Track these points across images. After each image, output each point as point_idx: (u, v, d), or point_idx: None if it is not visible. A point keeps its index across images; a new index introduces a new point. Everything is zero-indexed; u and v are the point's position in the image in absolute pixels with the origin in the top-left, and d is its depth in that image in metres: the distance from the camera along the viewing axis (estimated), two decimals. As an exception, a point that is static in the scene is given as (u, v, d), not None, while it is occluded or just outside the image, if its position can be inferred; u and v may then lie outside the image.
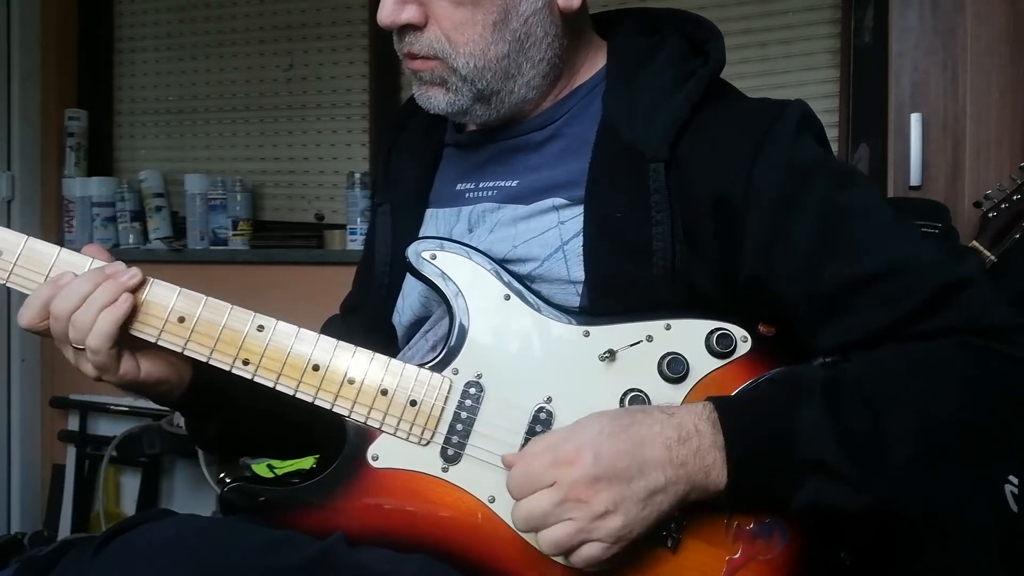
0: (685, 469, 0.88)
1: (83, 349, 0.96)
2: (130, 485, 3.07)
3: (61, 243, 1.00)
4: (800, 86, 2.48)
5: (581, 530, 0.87)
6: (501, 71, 1.03)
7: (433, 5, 1.01)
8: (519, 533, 0.93)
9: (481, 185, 1.11)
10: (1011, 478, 1.66)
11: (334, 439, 1.01)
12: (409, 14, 1.01)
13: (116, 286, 0.95)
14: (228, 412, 1.12)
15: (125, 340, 0.97)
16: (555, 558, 0.91)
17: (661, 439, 0.88)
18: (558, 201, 1.04)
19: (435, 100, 1.06)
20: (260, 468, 2.43)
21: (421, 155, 1.20)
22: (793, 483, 0.89)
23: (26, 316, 0.97)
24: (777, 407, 0.91)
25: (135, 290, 0.97)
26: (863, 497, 0.89)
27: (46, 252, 0.98)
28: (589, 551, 0.88)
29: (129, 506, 3.06)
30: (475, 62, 1.02)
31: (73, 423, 3.14)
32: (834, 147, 2.34)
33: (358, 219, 2.76)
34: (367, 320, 1.20)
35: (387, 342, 1.15)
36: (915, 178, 2.15)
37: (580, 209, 1.02)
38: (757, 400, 0.93)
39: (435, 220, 1.15)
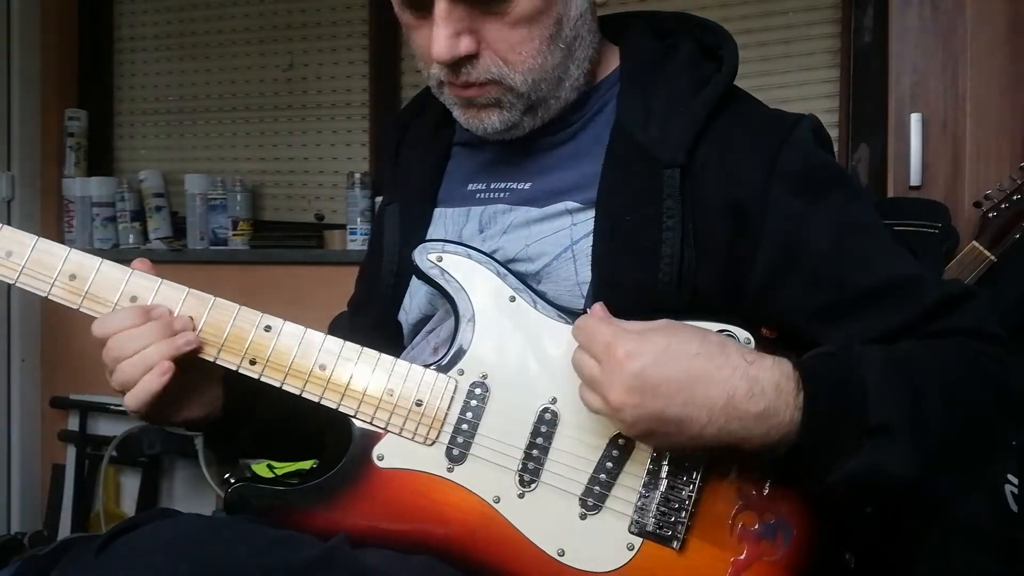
0: (734, 425, 0.85)
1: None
2: (130, 485, 3.08)
3: (61, 243, 1.00)
4: (800, 86, 2.48)
5: (606, 415, 0.88)
6: (555, 79, 1.03)
7: (486, 31, 0.98)
8: (523, 533, 0.94)
9: (492, 186, 1.11)
10: (1011, 478, 1.67)
11: (338, 443, 1.01)
12: (466, 45, 0.97)
13: (171, 349, 0.95)
14: (250, 430, 1.13)
15: (168, 393, 0.97)
16: None
17: (726, 386, 0.85)
18: (571, 204, 1.04)
19: (488, 122, 1.03)
20: (260, 468, 2.44)
21: (429, 154, 1.20)
22: (854, 445, 0.86)
23: (98, 331, 0.97)
24: (850, 372, 0.89)
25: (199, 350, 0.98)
26: (914, 464, 0.87)
27: (56, 253, 0.99)
28: (591, 398, 0.90)
29: (129, 506, 3.06)
30: (533, 77, 1.00)
31: (73, 423, 3.14)
32: (834, 147, 2.35)
33: (358, 219, 2.76)
34: (373, 318, 1.20)
35: (392, 340, 1.15)
36: (915, 178, 2.15)
37: (593, 212, 1.02)
38: (833, 362, 0.90)
39: (444, 220, 1.14)
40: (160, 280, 1.00)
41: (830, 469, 0.88)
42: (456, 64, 0.99)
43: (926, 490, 0.92)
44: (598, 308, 0.93)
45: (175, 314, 0.98)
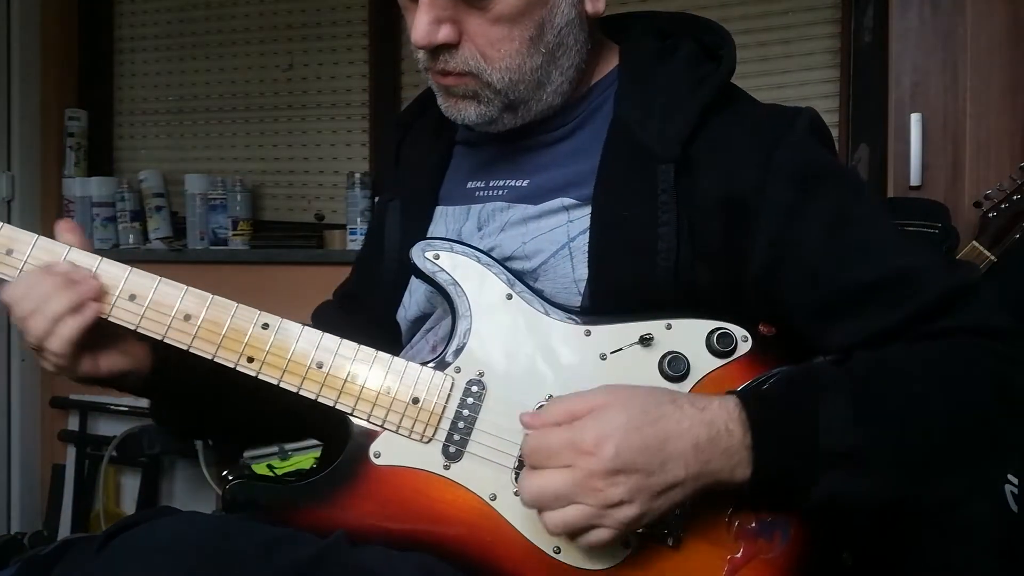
0: (709, 467, 0.87)
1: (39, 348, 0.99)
2: (130, 485, 3.08)
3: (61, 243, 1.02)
4: (800, 86, 2.49)
5: (592, 516, 0.86)
6: (534, 82, 1.03)
7: (468, 23, 1.00)
8: (519, 530, 0.94)
9: (491, 184, 1.12)
10: (1011, 478, 1.66)
11: (331, 429, 1.01)
12: (445, 33, 0.99)
13: (76, 296, 0.97)
14: (199, 398, 1.13)
15: (84, 340, 0.99)
16: (557, 539, 0.91)
17: (689, 436, 0.87)
18: (567, 201, 1.04)
19: (465, 113, 1.05)
20: (259, 468, 2.44)
21: (432, 152, 1.20)
22: (814, 475, 0.88)
23: (4, 297, 1.00)
24: (800, 403, 0.90)
25: (99, 297, 0.99)
26: (881, 487, 0.89)
27: (55, 251, 1.01)
28: (597, 536, 0.87)
29: (129, 506, 3.07)
30: (510, 76, 1.02)
31: (73, 423, 3.14)
32: (834, 142, 2.35)
33: (358, 219, 2.76)
34: (372, 315, 1.20)
35: (391, 337, 1.15)
36: (915, 178, 2.15)
37: (589, 209, 1.02)
38: (782, 397, 0.92)
39: (445, 218, 1.15)
40: (159, 278, 1.00)
41: (796, 498, 0.90)
42: (436, 51, 1.01)
43: (913, 503, 0.93)
44: (527, 418, 0.91)
45: (87, 271, 1.00)
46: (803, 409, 0.90)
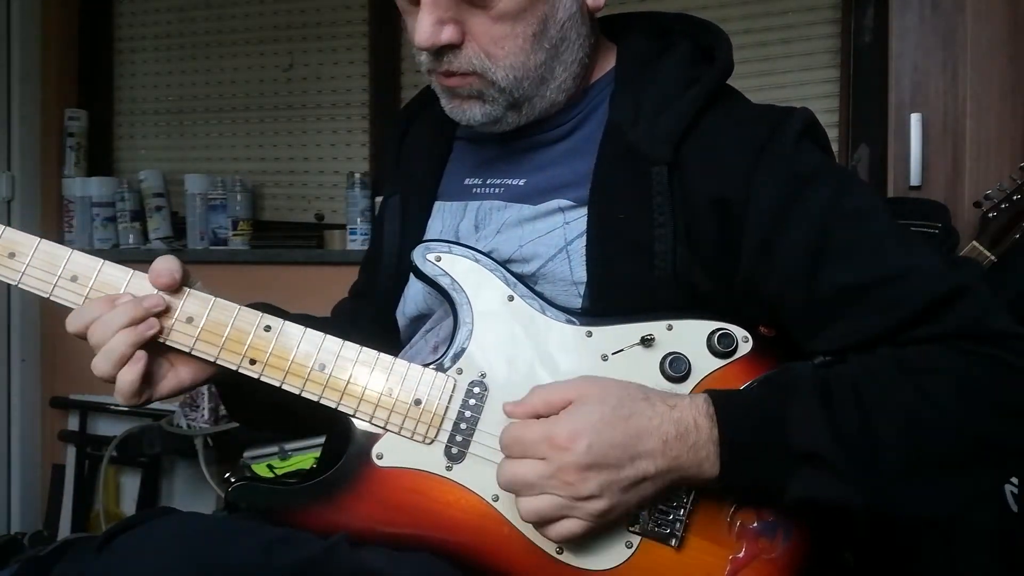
0: (677, 462, 0.89)
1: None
2: (130, 485, 3.08)
3: (61, 243, 1.01)
4: (800, 86, 2.48)
5: (563, 507, 0.88)
6: (537, 78, 1.03)
7: (471, 22, 0.99)
8: (521, 531, 0.94)
9: (489, 182, 1.12)
10: (1011, 478, 1.67)
11: (338, 442, 1.01)
12: (448, 34, 0.99)
13: (135, 337, 0.95)
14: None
15: (157, 366, 0.99)
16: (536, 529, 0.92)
17: (659, 433, 0.89)
18: (563, 203, 1.04)
19: (471, 113, 1.05)
20: (259, 468, 2.44)
21: (433, 147, 1.21)
22: (785, 473, 0.89)
23: (72, 326, 0.98)
24: (770, 400, 0.92)
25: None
26: (856, 491, 0.88)
27: (58, 255, 0.99)
28: (568, 526, 0.89)
29: (129, 506, 3.06)
30: (515, 73, 1.01)
31: (73, 423, 3.14)
32: (834, 147, 2.35)
33: (358, 219, 2.76)
34: (373, 310, 1.20)
35: (392, 333, 1.16)
36: (915, 178, 2.15)
37: (585, 211, 1.02)
38: (751, 394, 0.94)
39: (443, 213, 1.15)
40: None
41: (772, 497, 0.91)
42: (439, 52, 1.01)
43: (904, 512, 0.92)
44: (509, 407, 0.94)
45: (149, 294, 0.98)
46: (772, 406, 0.91)
